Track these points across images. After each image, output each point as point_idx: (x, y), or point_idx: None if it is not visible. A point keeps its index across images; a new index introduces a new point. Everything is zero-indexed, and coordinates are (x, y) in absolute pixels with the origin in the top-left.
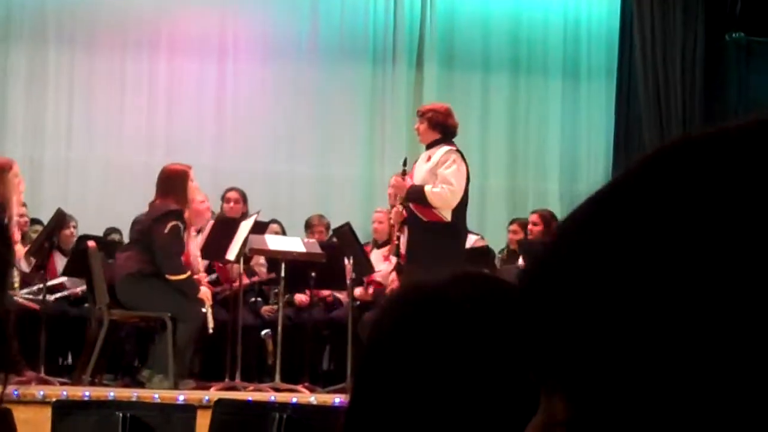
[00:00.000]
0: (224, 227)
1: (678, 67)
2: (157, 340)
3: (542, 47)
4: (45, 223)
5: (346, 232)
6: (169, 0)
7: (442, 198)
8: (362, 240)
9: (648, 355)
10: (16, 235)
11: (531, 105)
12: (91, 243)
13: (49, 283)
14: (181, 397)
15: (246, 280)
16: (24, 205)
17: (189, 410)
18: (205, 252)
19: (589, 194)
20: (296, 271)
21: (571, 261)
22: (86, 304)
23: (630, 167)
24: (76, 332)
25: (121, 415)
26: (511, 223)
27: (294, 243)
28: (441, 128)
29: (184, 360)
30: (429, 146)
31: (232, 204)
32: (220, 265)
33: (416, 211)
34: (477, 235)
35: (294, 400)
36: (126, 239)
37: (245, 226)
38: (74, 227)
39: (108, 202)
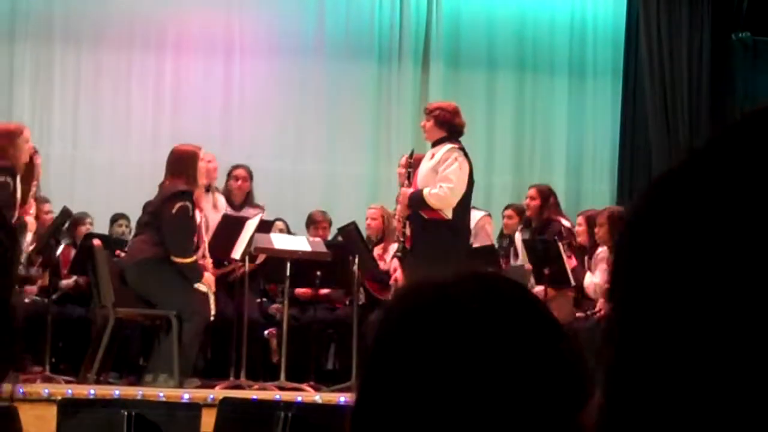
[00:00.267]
0: (230, 226)
1: (684, 66)
2: (161, 338)
3: (548, 46)
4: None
5: (351, 231)
6: None
7: (441, 198)
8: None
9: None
10: (32, 208)
11: (537, 104)
12: (96, 241)
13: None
14: (186, 395)
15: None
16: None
17: (194, 409)
18: (211, 250)
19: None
20: (301, 270)
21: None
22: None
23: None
24: (81, 330)
25: (126, 413)
26: (506, 208)
27: (299, 242)
28: (447, 127)
29: (188, 358)
30: (434, 144)
31: (240, 182)
32: None
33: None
34: (484, 211)
35: (299, 398)
36: (133, 227)
37: (251, 225)
38: (90, 224)
39: (114, 201)
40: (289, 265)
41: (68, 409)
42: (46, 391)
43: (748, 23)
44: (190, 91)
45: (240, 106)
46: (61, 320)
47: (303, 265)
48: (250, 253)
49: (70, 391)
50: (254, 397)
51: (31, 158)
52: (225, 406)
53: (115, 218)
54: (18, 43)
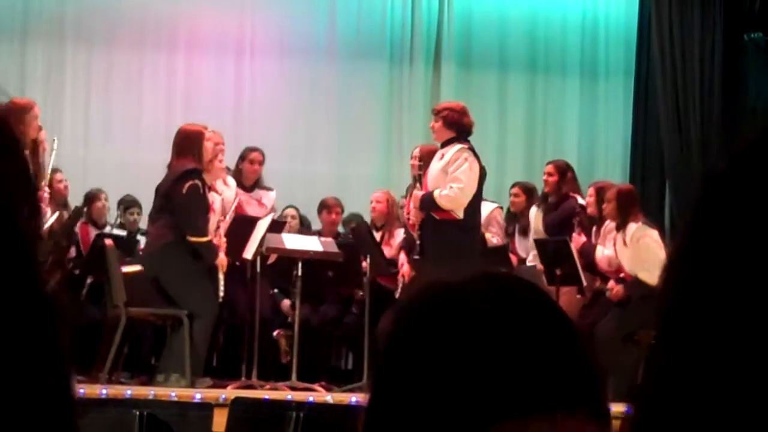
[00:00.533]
0: (242, 226)
1: (696, 67)
2: (172, 337)
3: (560, 47)
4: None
5: (362, 231)
6: None
7: (452, 199)
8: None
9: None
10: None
11: (548, 104)
12: (108, 241)
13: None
14: (197, 395)
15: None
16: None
17: (206, 408)
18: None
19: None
20: (313, 269)
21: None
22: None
23: None
24: (93, 330)
25: (138, 413)
26: (513, 186)
27: (311, 242)
28: (456, 127)
29: (199, 356)
30: (443, 145)
31: (256, 165)
32: None
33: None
34: (495, 203)
35: (311, 399)
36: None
37: (262, 225)
38: (105, 200)
39: None
40: (300, 264)
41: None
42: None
43: (761, 23)
44: (201, 91)
45: (251, 106)
46: (72, 319)
47: (314, 264)
48: (261, 253)
49: (81, 390)
50: (266, 397)
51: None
52: (237, 406)
53: (128, 206)
54: (30, 42)
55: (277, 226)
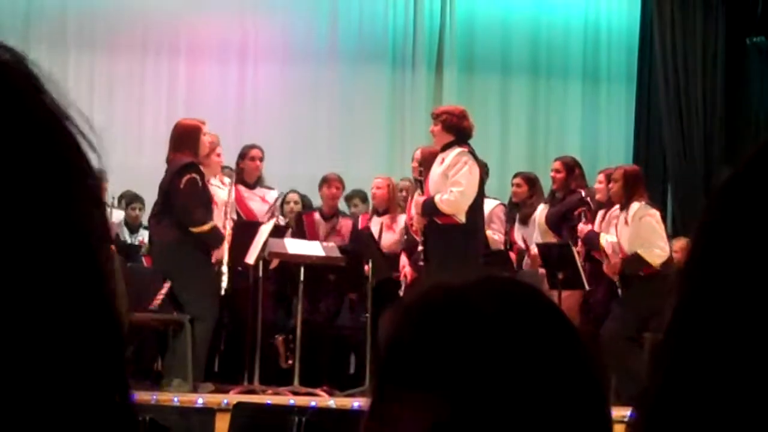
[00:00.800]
0: (244, 230)
1: (698, 70)
2: (174, 342)
3: (562, 51)
4: None
5: (365, 235)
6: (189, 4)
7: (452, 204)
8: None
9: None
10: None
11: (551, 108)
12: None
13: None
14: (200, 400)
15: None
16: None
17: (208, 413)
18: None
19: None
20: (315, 274)
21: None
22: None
23: None
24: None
25: (140, 418)
26: (515, 176)
27: (313, 247)
28: (455, 130)
29: (200, 360)
30: (443, 149)
31: (257, 162)
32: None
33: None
34: (496, 199)
35: (313, 403)
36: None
37: (265, 230)
38: (105, 181)
39: None
40: (303, 269)
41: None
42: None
43: (763, 27)
44: (203, 95)
45: (253, 110)
46: None
47: (317, 269)
48: (264, 258)
49: None
50: (268, 402)
51: None
52: (239, 411)
53: (129, 201)
54: (32, 48)
55: (279, 231)
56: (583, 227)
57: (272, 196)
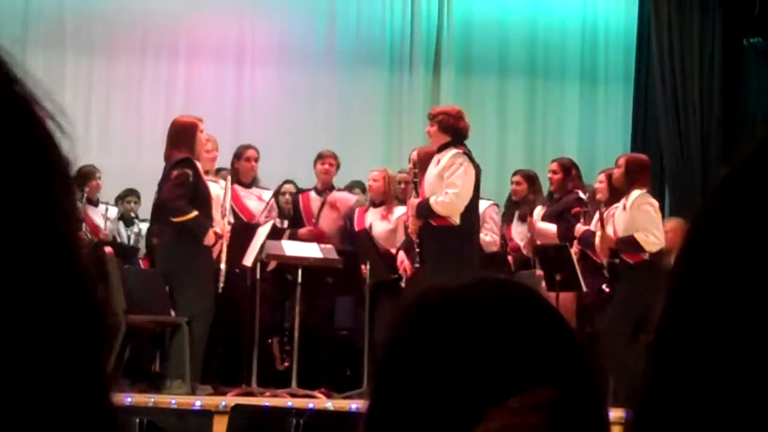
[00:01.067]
0: (241, 232)
1: (696, 71)
2: (171, 343)
3: (560, 52)
4: None
5: (363, 237)
6: (187, 6)
7: (447, 205)
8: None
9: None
10: None
11: (548, 109)
12: (108, 249)
13: None
14: (198, 402)
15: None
16: None
17: (206, 416)
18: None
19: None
20: (313, 276)
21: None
22: None
23: None
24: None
25: (138, 420)
26: (515, 174)
27: (311, 249)
28: (452, 131)
29: (197, 360)
30: (439, 149)
31: (253, 162)
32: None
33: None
34: (489, 200)
35: (311, 405)
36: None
37: (262, 232)
38: (99, 178)
39: None
40: (300, 271)
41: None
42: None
43: (760, 28)
44: (201, 98)
45: (251, 112)
46: None
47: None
48: (261, 260)
49: None
50: (266, 404)
51: None
52: (237, 413)
53: (124, 194)
54: (30, 50)
55: (276, 233)
56: (580, 227)
57: (269, 195)
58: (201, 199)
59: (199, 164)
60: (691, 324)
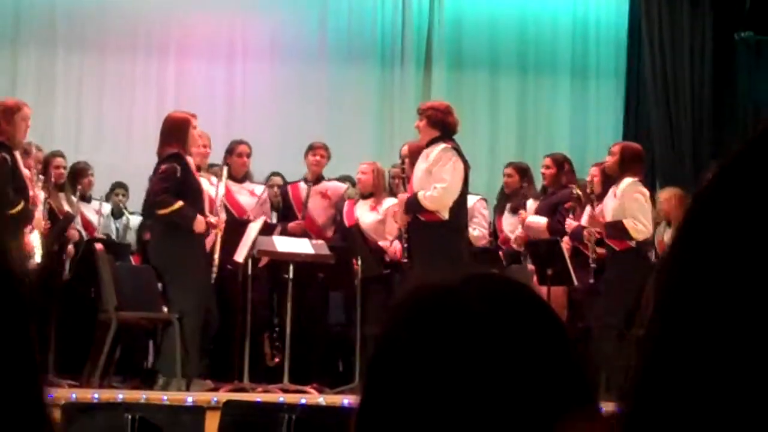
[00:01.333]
0: (233, 228)
1: (687, 66)
2: (163, 340)
3: (550, 47)
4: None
5: (354, 232)
6: (178, 3)
7: (436, 200)
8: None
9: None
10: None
11: (539, 105)
12: (99, 246)
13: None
14: (189, 398)
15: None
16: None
17: (198, 412)
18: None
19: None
20: (304, 271)
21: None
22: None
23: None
24: (84, 333)
25: (130, 416)
26: (507, 166)
27: (302, 245)
28: (440, 126)
29: (192, 355)
30: (428, 144)
31: (244, 158)
32: None
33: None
34: (477, 195)
35: (303, 401)
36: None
37: (254, 228)
38: (92, 174)
39: None
40: (292, 267)
41: (72, 413)
42: (50, 395)
43: (751, 22)
44: (192, 95)
45: (242, 109)
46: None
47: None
48: (253, 255)
49: (73, 395)
50: (258, 399)
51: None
52: (229, 408)
53: (113, 188)
54: (21, 47)
55: (268, 229)
56: (570, 222)
57: (260, 190)
58: (191, 194)
59: (190, 159)
60: (683, 318)
